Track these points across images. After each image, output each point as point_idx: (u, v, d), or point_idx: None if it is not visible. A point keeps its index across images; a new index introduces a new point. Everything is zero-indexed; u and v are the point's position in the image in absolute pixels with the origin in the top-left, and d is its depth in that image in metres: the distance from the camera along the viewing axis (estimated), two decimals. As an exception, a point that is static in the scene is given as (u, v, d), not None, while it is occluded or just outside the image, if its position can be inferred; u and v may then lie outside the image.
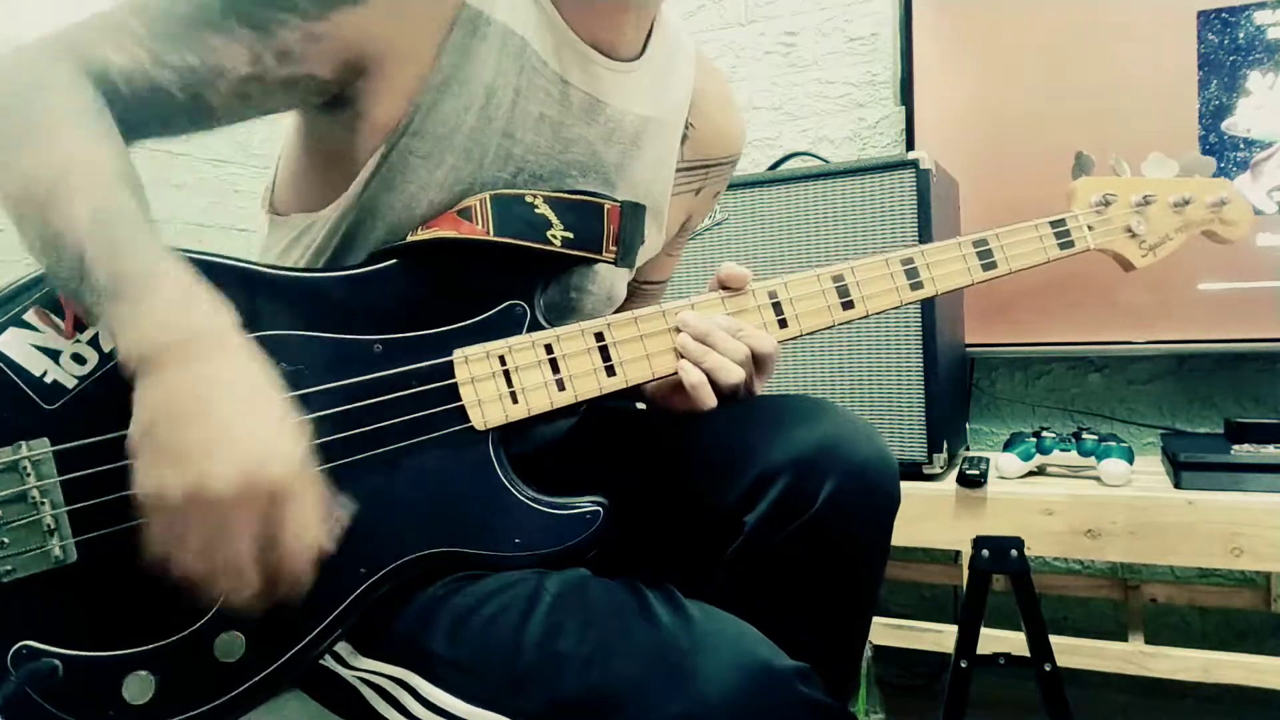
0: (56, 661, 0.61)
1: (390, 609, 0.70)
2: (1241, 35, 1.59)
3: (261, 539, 0.57)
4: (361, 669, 0.70)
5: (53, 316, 0.63)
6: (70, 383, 0.63)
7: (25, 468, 0.61)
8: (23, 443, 0.61)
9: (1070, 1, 1.71)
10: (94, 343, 0.64)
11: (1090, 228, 0.92)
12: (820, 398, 0.84)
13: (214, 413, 0.57)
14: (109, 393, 0.62)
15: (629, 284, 0.95)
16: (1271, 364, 1.72)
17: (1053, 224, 0.91)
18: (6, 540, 0.60)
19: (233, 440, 0.56)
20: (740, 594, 0.74)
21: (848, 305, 0.83)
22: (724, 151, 0.99)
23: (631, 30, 0.83)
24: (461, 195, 0.76)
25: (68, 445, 0.62)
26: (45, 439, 0.62)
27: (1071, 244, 0.91)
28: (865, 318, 0.84)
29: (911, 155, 1.45)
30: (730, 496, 0.78)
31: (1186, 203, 0.95)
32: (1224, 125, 1.61)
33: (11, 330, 0.62)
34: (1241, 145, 1.60)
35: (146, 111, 0.67)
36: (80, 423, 0.63)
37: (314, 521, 0.59)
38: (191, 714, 0.64)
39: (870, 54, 1.99)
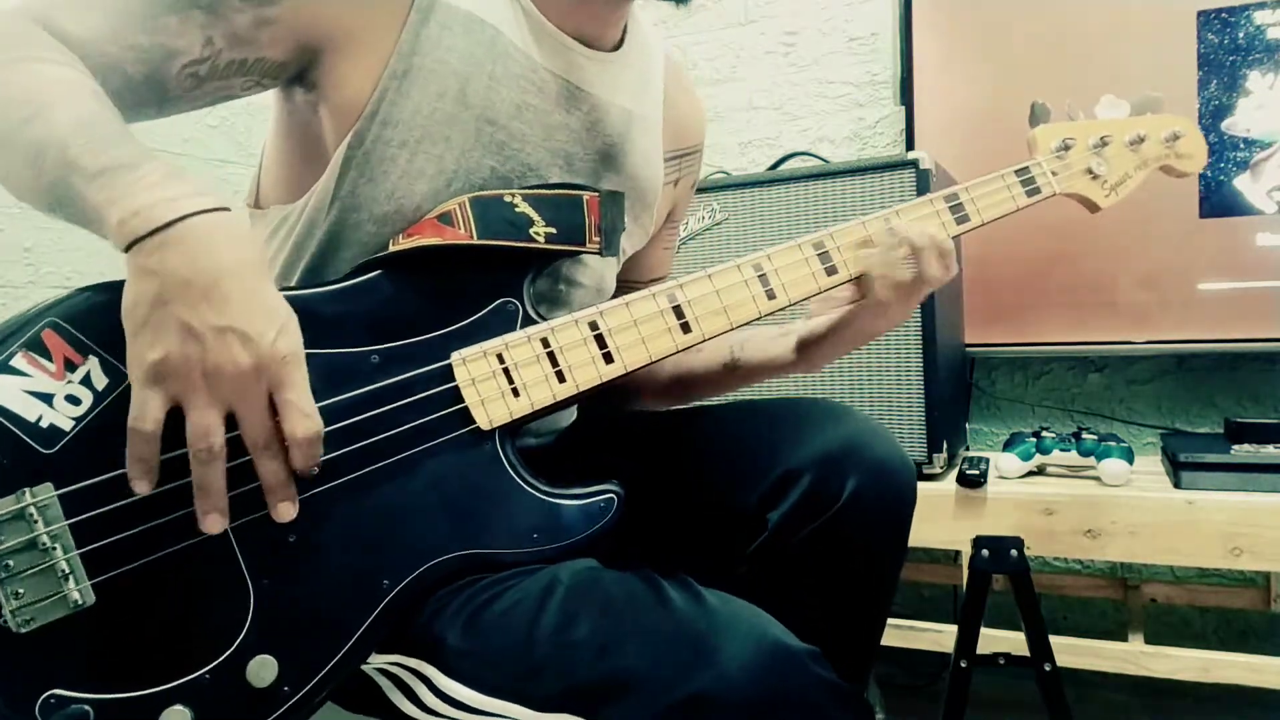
0: (87, 708, 0.59)
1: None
2: (1241, 35, 1.59)
3: (273, 395, 0.61)
4: (376, 661, 0.70)
5: (40, 359, 0.61)
6: (67, 425, 0.61)
7: (32, 514, 0.59)
8: (25, 489, 0.60)
9: (1070, 1, 1.71)
10: (86, 381, 0.62)
11: (1054, 173, 0.94)
12: (835, 401, 0.87)
13: (231, 291, 0.59)
14: (107, 431, 0.61)
15: (633, 284, 0.95)
16: (1271, 364, 1.72)
17: (1018, 172, 0.93)
18: (22, 590, 0.59)
19: (250, 317, 0.59)
20: (760, 589, 0.74)
21: (831, 271, 0.84)
22: (693, 139, 1.00)
23: (613, 22, 0.83)
24: (448, 183, 0.76)
25: (73, 488, 0.61)
26: (49, 484, 0.60)
27: (1038, 190, 0.93)
28: (849, 281, 0.85)
29: (911, 155, 1.45)
30: (753, 495, 0.80)
31: (1142, 140, 0.96)
32: (1224, 125, 1.61)
33: (1, 378, 0.60)
34: (1241, 145, 1.60)
35: (105, 88, 0.67)
36: (82, 464, 0.61)
37: (307, 392, 0.62)
38: None
39: (870, 54, 1.99)
